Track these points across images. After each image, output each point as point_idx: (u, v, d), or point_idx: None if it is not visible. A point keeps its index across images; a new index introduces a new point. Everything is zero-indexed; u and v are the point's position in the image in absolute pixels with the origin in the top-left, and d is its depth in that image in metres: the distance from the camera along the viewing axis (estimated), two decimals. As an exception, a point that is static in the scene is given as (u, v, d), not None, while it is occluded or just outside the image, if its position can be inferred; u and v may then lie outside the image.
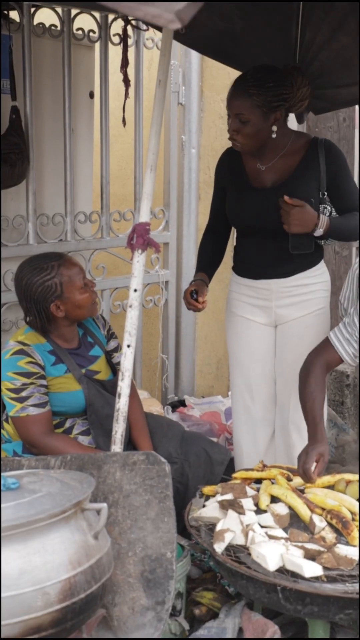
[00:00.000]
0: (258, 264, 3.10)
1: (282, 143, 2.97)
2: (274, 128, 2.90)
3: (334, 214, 3.01)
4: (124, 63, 3.17)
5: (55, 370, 2.79)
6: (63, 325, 2.83)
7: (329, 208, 2.99)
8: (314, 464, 2.58)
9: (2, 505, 1.88)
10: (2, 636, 1.76)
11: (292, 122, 3.19)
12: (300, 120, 3.30)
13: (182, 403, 4.44)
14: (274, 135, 2.91)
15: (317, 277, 3.10)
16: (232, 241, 3.34)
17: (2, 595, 1.76)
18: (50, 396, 2.76)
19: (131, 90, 3.88)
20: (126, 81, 3.15)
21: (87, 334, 2.97)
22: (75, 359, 2.85)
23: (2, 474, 2.06)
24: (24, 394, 2.69)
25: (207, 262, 3.27)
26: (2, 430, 2.89)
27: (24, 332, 2.82)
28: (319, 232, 2.91)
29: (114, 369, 2.98)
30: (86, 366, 2.88)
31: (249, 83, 2.83)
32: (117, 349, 3.03)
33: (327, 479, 2.74)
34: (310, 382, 2.69)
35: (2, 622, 1.76)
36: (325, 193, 2.99)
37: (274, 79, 2.84)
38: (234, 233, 3.29)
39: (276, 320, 3.14)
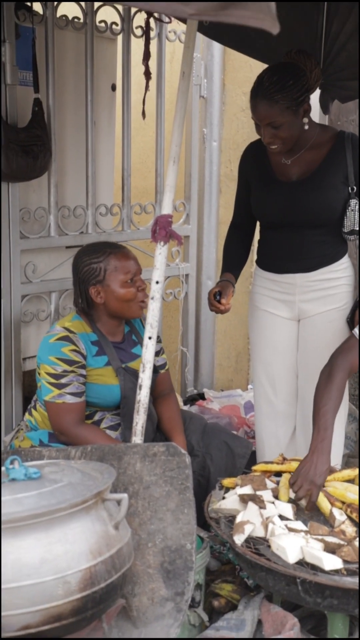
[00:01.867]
0: (282, 258, 3.09)
1: (308, 136, 2.95)
2: (305, 120, 2.88)
3: None
4: (146, 56, 3.17)
5: (95, 361, 2.80)
6: (105, 315, 2.84)
7: None
8: (306, 492, 2.45)
9: (24, 494, 1.90)
10: (24, 624, 1.77)
11: (315, 113, 3.17)
12: (325, 110, 3.28)
13: (201, 396, 4.44)
14: (306, 127, 2.89)
15: (341, 272, 3.08)
16: (255, 235, 3.33)
17: (24, 583, 1.78)
18: (87, 387, 2.77)
19: (153, 83, 3.89)
20: (147, 74, 3.15)
21: (133, 332, 2.99)
22: (117, 352, 2.86)
23: (24, 463, 2.07)
24: (63, 380, 2.70)
25: (233, 261, 3.25)
26: (29, 417, 2.90)
27: (72, 319, 2.83)
28: None
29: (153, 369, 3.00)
30: (126, 362, 2.89)
31: (271, 90, 2.78)
32: (160, 352, 3.06)
33: (347, 472, 2.74)
34: (331, 387, 2.60)
35: (24, 610, 1.78)
36: (355, 187, 2.96)
37: (291, 75, 2.80)
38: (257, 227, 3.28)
39: (299, 314, 3.13)
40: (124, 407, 2.83)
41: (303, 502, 2.46)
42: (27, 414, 2.96)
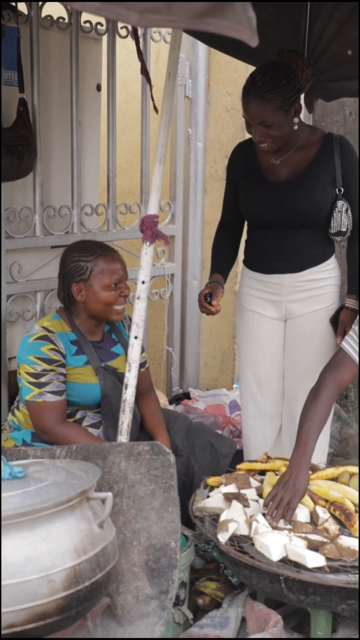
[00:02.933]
0: (270, 258, 3.11)
1: (297, 137, 2.97)
2: (295, 120, 2.90)
3: (349, 212, 2.99)
4: (139, 54, 3.16)
5: (75, 360, 2.81)
6: (84, 313, 2.84)
7: (347, 205, 2.98)
8: (281, 512, 2.38)
9: (9, 493, 1.90)
10: (8, 622, 1.78)
11: (303, 112, 3.19)
12: (310, 109, 3.30)
13: (186, 395, 4.45)
14: (295, 127, 2.91)
15: (328, 272, 3.10)
16: (243, 235, 3.34)
17: (8, 582, 1.78)
18: (67, 386, 2.78)
19: (137, 83, 3.90)
20: (145, 72, 3.13)
21: (113, 331, 2.99)
22: (96, 351, 2.87)
23: (9, 462, 2.08)
24: (43, 379, 2.70)
25: (222, 262, 3.26)
26: (12, 418, 2.91)
27: (50, 319, 2.84)
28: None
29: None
30: (106, 361, 2.89)
31: (263, 89, 2.79)
32: (142, 350, 3.06)
33: (331, 471, 2.76)
34: (317, 403, 2.55)
35: (8, 609, 1.78)
36: (342, 189, 2.98)
37: (284, 74, 2.82)
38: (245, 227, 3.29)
39: (286, 314, 3.15)
40: (105, 406, 2.84)
41: (281, 523, 2.40)
42: (10, 414, 2.96)
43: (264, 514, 2.42)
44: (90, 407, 2.87)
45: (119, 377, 2.86)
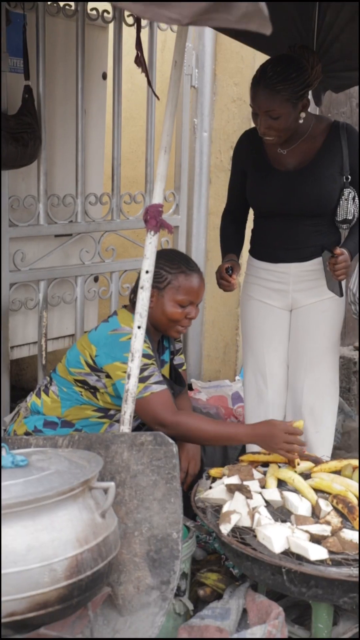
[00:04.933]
0: (277, 247, 3.10)
1: (304, 127, 2.96)
2: (302, 114, 2.89)
3: (356, 199, 2.98)
4: (138, 44, 3.14)
5: None
6: (149, 319, 2.78)
7: (354, 192, 2.97)
8: None
9: (11, 482, 1.89)
10: (10, 611, 1.77)
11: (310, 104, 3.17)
12: (318, 102, 3.28)
13: (189, 387, 4.44)
14: (301, 121, 2.90)
15: None
16: (249, 224, 3.33)
17: (10, 570, 1.77)
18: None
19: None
20: (140, 63, 3.11)
21: (165, 338, 2.99)
22: None
23: (12, 451, 2.07)
24: (146, 373, 2.65)
25: (233, 243, 3.26)
26: (36, 400, 2.87)
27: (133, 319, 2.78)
28: None
29: (175, 376, 3.03)
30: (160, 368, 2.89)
31: (274, 80, 2.79)
32: (179, 351, 3.09)
33: (334, 464, 2.75)
34: None
35: (9, 597, 1.78)
36: (350, 177, 2.97)
37: (295, 68, 2.81)
38: (250, 216, 3.28)
39: (292, 304, 3.14)
40: None
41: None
42: (33, 395, 2.90)
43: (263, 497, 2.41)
44: None
45: (170, 385, 2.86)
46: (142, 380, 2.63)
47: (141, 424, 2.97)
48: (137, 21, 3.28)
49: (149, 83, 3.11)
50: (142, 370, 2.63)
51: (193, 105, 4.39)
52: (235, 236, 3.29)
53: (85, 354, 2.75)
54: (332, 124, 3.02)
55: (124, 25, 3.75)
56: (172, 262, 2.79)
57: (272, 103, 2.80)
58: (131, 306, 2.82)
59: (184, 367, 3.12)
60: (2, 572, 1.77)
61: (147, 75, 2.86)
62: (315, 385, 3.12)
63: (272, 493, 2.49)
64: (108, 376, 2.71)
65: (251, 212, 3.27)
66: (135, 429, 2.84)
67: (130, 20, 3.73)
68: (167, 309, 2.77)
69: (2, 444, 2.03)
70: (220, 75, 4.42)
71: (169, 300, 2.77)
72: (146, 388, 2.65)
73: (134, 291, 2.83)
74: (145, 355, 2.67)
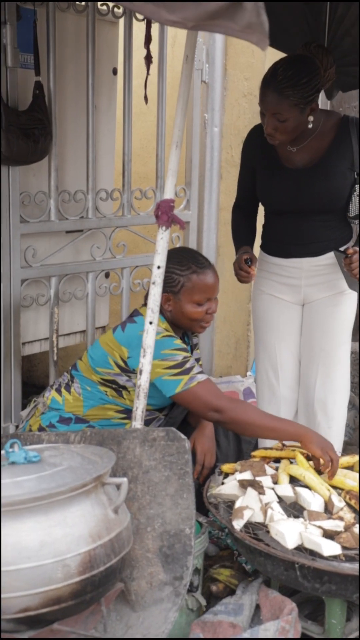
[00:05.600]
0: (289, 243, 3.09)
1: (314, 125, 2.94)
2: (310, 118, 2.87)
3: None
4: (147, 39, 3.14)
5: None
6: (170, 320, 2.82)
7: None
8: None
9: (24, 477, 1.90)
10: (23, 606, 1.78)
11: (321, 98, 3.15)
12: (330, 96, 3.26)
13: (200, 383, 4.44)
14: (310, 126, 2.89)
15: None
16: (259, 219, 3.31)
17: (23, 566, 1.78)
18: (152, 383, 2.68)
19: (154, 67, 3.86)
20: (148, 58, 3.12)
21: (185, 334, 2.99)
22: None
23: (24, 447, 2.07)
24: (187, 365, 2.65)
25: (245, 236, 3.26)
26: (56, 396, 2.86)
27: (162, 320, 2.77)
28: None
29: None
30: None
31: (283, 84, 2.77)
32: (195, 347, 3.08)
33: (346, 459, 2.75)
34: None
35: (23, 593, 1.78)
36: None
37: (306, 72, 2.79)
38: (260, 211, 3.27)
39: (304, 299, 3.13)
40: (174, 410, 2.86)
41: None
42: (53, 391, 2.89)
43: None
44: (161, 409, 2.87)
45: None
46: (185, 372, 2.64)
47: (150, 420, 2.97)
48: (148, 19, 3.28)
49: (145, 85, 3.10)
50: (183, 363, 2.64)
51: (204, 101, 4.38)
52: (246, 229, 3.29)
53: (115, 355, 2.74)
54: (341, 119, 3.00)
55: (134, 21, 3.74)
56: (181, 263, 2.77)
57: (279, 107, 2.80)
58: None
59: (200, 362, 3.11)
60: (16, 567, 1.78)
61: (147, 75, 2.84)
62: (328, 380, 3.11)
63: (285, 489, 2.49)
64: None
65: (261, 207, 3.26)
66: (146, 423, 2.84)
67: (140, 15, 3.72)
68: (187, 310, 2.77)
69: (15, 440, 2.03)
70: (231, 70, 4.40)
71: (186, 302, 2.77)
72: (192, 379, 2.64)
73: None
74: (181, 349, 2.68)
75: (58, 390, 2.88)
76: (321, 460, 2.58)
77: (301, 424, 2.81)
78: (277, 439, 2.74)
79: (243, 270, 3.00)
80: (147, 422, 2.76)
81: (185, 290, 2.76)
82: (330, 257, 3.03)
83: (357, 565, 2.17)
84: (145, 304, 2.85)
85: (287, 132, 2.86)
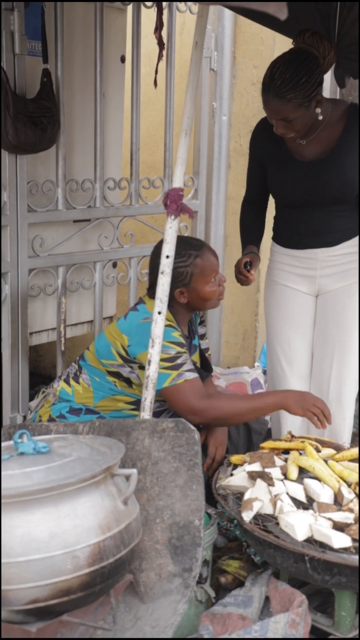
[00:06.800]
0: (303, 235, 3.07)
1: (322, 116, 2.91)
2: (318, 110, 2.85)
3: None
4: (159, 25, 3.10)
5: None
6: (182, 310, 2.83)
7: None
8: None
9: (33, 468, 1.89)
10: (32, 597, 1.77)
11: (330, 87, 3.12)
12: (341, 84, 3.23)
13: (208, 373, 4.42)
14: (320, 117, 2.87)
15: None
16: (270, 210, 3.29)
17: (33, 557, 1.77)
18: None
19: (163, 53, 3.82)
20: (160, 44, 3.09)
21: (192, 322, 2.98)
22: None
23: (32, 437, 2.06)
24: (179, 361, 2.65)
25: (253, 234, 3.26)
26: (66, 387, 2.85)
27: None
28: None
29: (203, 361, 3.01)
30: (191, 354, 2.88)
31: (282, 89, 2.74)
32: (204, 336, 3.06)
33: (355, 451, 2.72)
34: None
35: (32, 584, 1.77)
36: None
37: (304, 71, 2.75)
38: (271, 203, 3.24)
39: (319, 289, 3.11)
40: None
41: None
42: (61, 382, 2.88)
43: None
44: None
45: (199, 372, 2.83)
46: (175, 367, 2.63)
47: (162, 410, 2.96)
48: (158, 2, 3.24)
49: (156, 69, 3.07)
50: (175, 358, 2.63)
51: (212, 89, 4.35)
52: (255, 226, 3.27)
53: (117, 345, 2.73)
54: (349, 107, 2.97)
55: (142, 8, 3.71)
56: (180, 255, 2.72)
57: (284, 111, 2.79)
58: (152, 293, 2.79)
59: (209, 352, 3.10)
60: (25, 559, 1.77)
61: (158, 60, 2.82)
62: (343, 372, 3.09)
63: (297, 490, 2.46)
64: (141, 367, 2.69)
65: (272, 199, 3.23)
66: (156, 415, 2.82)
67: (148, 2, 3.68)
68: (204, 293, 2.79)
69: (24, 431, 2.02)
70: (240, 57, 4.37)
71: (201, 287, 2.77)
72: (180, 375, 2.63)
73: (150, 278, 2.82)
74: (177, 343, 2.66)
75: (67, 381, 2.86)
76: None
77: (278, 390, 2.82)
78: (263, 415, 2.75)
79: (242, 275, 3.01)
80: (157, 414, 2.76)
81: (196, 277, 2.76)
82: (346, 246, 3.01)
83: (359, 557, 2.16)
84: (148, 293, 2.83)
85: (298, 129, 2.85)
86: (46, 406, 2.86)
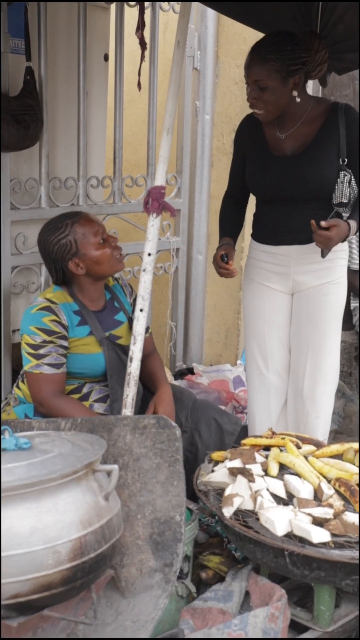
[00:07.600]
0: (279, 230, 3.09)
1: (302, 110, 2.94)
2: (294, 93, 2.87)
3: (352, 182, 2.96)
4: (141, 25, 3.12)
5: (79, 331, 2.80)
6: (87, 283, 2.85)
7: (349, 175, 2.96)
8: None
9: (15, 464, 1.89)
10: (13, 592, 1.78)
11: (313, 86, 3.14)
12: (324, 83, 3.25)
13: (190, 371, 4.44)
14: (297, 100, 2.88)
15: (337, 245, 3.07)
16: (251, 208, 3.31)
17: (14, 552, 1.78)
18: (71, 357, 2.77)
19: (146, 54, 3.84)
20: (142, 44, 3.10)
21: (114, 299, 2.99)
22: (99, 321, 2.86)
23: (14, 434, 2.07)
24: (42, 351, 2.69)
25: (231, 227, 3.27)
26: (17, 391, 2.89)
27: (53, 290, 2.84)
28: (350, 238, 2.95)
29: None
30: (110, 330, 2.89)
31: (266, 48, 2.80)
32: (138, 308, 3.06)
33: (336, 447, 2.75)
34: None
35: (13, 579, 1.78)
36: (347, 160, 2.95)
37: (292, 42, 2.82)
38: (252, 200, 3.26)
39: (294, 287, 3.13)
40: (111, 377, 2.83)
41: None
42: (15, 387, 2.95)
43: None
44: (97, 379, 2.86)
45: (123, 349, 2.85)
46: (36, 357, 2.70)
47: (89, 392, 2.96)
48: (140, 2, 3.25)
49: (139, 72, 3.09)
50: (39, 347, 2.70)
51: (195, 88, 4.36)
52: (233, 220, 3.29)
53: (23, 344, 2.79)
54: (331, 105, 3.00)
55: (125, 7, 3.72)
56: (58, 229, 2.80)
57: (260, 71, 2.81)
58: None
59: (149, 332, 3.08)
60: (6, 554, 1.77)
61: (141, 62, 2.84)
62: (317, 370, 3.11)
63: (276, 486, 2.48)
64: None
65: (252, 196, 3.25)
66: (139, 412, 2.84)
67: (132, 2, 3.69)
68: (96, 256, 2.80)
69: (6, 427, 2.03)
70: (223, 57, 4.39)
71: (91, 250, 2.79)
72: (38, 366, 2.70)
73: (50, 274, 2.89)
74: (45, 330, 2.71)
75: (17, 385, 2.92)
76: None
77: None
78: None
79: (222, 268, 3.03)
80: (86, 395, 2.82)
81: (81, 243, 2.79)
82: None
83: (346, 552, 2.18)
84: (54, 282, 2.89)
85: (269, 103, 2.86)
86: (9, 409, 2.89)
